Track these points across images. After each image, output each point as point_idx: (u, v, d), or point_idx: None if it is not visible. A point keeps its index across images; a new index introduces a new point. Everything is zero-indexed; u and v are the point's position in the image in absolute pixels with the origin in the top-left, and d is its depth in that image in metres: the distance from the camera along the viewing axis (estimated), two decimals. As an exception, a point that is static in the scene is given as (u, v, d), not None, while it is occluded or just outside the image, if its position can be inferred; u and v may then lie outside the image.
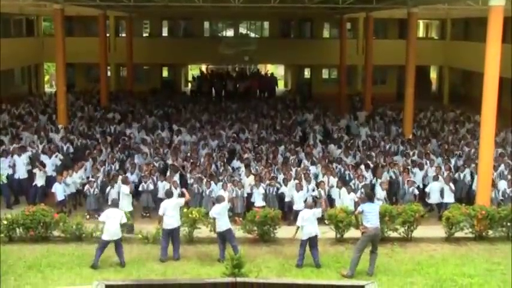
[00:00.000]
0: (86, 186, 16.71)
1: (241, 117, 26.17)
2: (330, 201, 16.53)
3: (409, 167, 18.18)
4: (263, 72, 42.33)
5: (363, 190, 16.44)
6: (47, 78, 44.05)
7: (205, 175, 16.98)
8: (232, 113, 27.37)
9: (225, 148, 20.80)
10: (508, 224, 14.98)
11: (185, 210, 14.48)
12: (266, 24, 40.79)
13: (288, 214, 16.27)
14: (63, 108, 22.31)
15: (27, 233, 14.36)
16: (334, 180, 16.88)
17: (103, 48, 29.02)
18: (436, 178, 17.07)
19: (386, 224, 14.45)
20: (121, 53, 34.74)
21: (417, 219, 14.78)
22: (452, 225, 14.85)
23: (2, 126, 23.15)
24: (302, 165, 18.31)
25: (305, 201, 15.55)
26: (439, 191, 16.90)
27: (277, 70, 49.41)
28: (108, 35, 32.13)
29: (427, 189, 17.21)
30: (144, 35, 39.79)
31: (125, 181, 16.12)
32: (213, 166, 18.25)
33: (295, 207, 16.03)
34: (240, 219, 15.12)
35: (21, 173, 17.71)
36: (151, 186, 16.78)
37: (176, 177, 17.06)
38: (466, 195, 17.52)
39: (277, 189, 16.59)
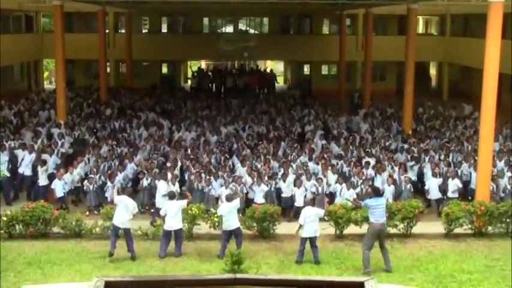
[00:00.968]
0: (86, 183, 16.71)
1: (240, 114, 26.14)
2: (330, 198, 16.53)
3: (407, 163, 18.19)
4: (262, 69, 42.26)
5: (363, 186, 16.47)
6: (46, 74, 44.01)
7: (206, 171, 16.98)
8: (231, 109, 27.34)
9: (224, 144, 20.79)
10: (507, 220, 15.00)
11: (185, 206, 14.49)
12: (265, 20, 40.76)
13: (287, 210, 16.27)
14: (62, 104, 22.28)
15: (27, 230, 14.38)
16: (333, 177, 16.88)
17: (102, 45, 28.98)
18: (434, 174, 17.07)
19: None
20: (120, 49, 34.70)
21: (416, 215, 14.80)
22: (452, 222, 14.86)
23: (2, 121, 23.15)
24: (298, 161, 18.25)
25: (305, 197, 15.58)
26: (438, 187, 16.91)
27: (277, 66, 49.36)
28: (107, 31, 32.05)
29: (426, 187, 17.22)
30: (144, 31, 39.76)
31: (163, 177, 16.13)
32: (213, 162, 18.24)
33: (296, 204, 16.06)
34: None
35: (27, 170, 17.72)
36: (151, 183, 16.75)
37: (176, 173, 17.03)
38: (463, 191, 17.50)
39: (277, 186, 16.57)
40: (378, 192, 13.26)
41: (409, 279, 12.38)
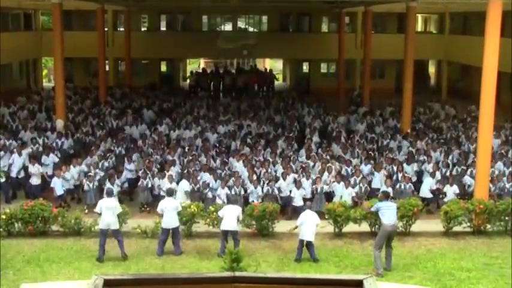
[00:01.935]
0: (85, 181, 16.70)
1: (239, 113, 26.10)
2: (329, 197, 16.53)
3: (405, 164, 18.21)
4: (262, 68, 42.20)
5: (361, 185, 16.48)
6: (45, 72, 43.96)
7: (204, 170, 16.97)
8: (229, 107, 27.30)
9: (222, 143, 20.75)
10: (506, 218, 15.02)
11: (183, 204, 14.50)
12: (264, 18, 40.70)
13: (286, 209, 16.27)
14: (61, 103, 22.22)
15: (26, 228, 14.37)
16: (331, 176, 16.90)
17: (101, 43, 28.92)
18: (433, 175, 17.12)
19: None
20: (119, 47, 34.64)
21: (415, 213, 14.81)
22: (451, 220, 14.88)
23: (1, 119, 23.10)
24: (297, 163, 18.21)
25: (304, 199, 15.64)
26: (429, 185, 16.95)
27: (276, 64, 49.33)
28: (106, 29, 31.98)
29: (423, 186, 17.22)
30: (143, 29, 39.68)
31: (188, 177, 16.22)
32: (211, 161, 18.22)
33: (294, 203, 16.07)
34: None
35: (20, 173, 17.62)
36: (149, 184, 16.74)
37: (174, 172, 17.02)
38: (462, 190, 17.51)
39: (277, 186, 16.54)
40: (387, 196, 13.50)
41: (408, 277, 12.40)
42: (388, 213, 12.76)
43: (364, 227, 14.79)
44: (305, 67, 42.07)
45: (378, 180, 17.00)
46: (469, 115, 25.60)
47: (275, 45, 37.16)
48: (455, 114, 26.60)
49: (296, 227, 13.38)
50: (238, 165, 17.55)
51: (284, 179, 16.58)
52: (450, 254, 13.78)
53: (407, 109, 22.89)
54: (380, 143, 21.14)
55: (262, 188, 16.28)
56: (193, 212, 14.45)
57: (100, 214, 13.35)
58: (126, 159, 18.11)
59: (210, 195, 16.06)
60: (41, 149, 19.15)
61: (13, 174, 17.55)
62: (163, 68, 41.45)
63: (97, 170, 17.14)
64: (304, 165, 17.51)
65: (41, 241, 14.16)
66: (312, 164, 18.01)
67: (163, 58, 40.19)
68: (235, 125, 23.19)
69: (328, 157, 18.32)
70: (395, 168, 17.68)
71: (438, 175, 17.32)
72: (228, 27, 41.51)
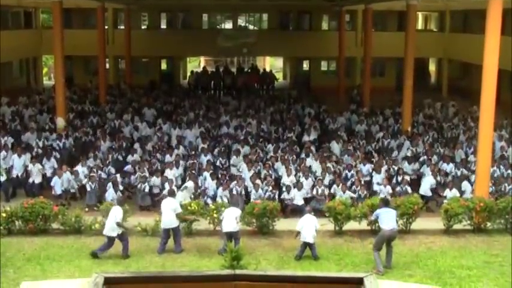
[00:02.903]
0: (86, 181, 16.70)
1: (239, 113, 26.04)
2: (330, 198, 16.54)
3: (405, 164, 18.21)
4: (261, 67, 42.10)
5: (360, 193, 16.48)
6: (45, 70, 43.93)
7: (205, 171, 16.99)
8: (229, 107, 27.25)
9: (222, 144, 20.69)
10: (507, 216, 15.02)
11: (184, 202, 14.50)
12: (265, 16, 40.66)
13: (286, 208, 16.26)
14: (62, 102, 22.19)
15: (26, 226, 14.39)
16: (331, 177, 16.90)
17: (101, 41, 28.89)
18: (433, 174, 17.11)
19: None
20: (119, 45, 34.58)
21: (416, 211, 14.81)
22: (451, 218, 14.88)
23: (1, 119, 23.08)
24: (296, 164, 18.22)
25: (305, 199, 15.64)
26: (430, 184, 16.93)
27: (276, 62, 49.28)
28: (106, 27, 31.96)
29: (423, 184, 17.21)
30: (143, 27, 39.63)
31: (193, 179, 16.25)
32: (211, 161, 18.22)
33: (294, 202, 16.08)
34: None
35: (19, 172, 17.65)
36: (147, 188, 16.74)
37: (172, 174, 16.98)
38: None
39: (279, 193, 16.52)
40: (387, 203, 13.44)
41: (408, 275, 12.40)
42: (387, 219, 12.76)
43: (365, 225, 14.80)
44: (305, 65, 42.02)
45: (378, 180, 16.98)
46: (470, 116, 25.56)
47: (275, 43, 37.11)
48: (456, 112, 26.55)
49: (298, 233, 13.38)
50: (243, 166, 17.50)
51: (288, 175, 16.56)
52: (450, 252, 13.78)
53: (407, 107, 22.86)
54: (380, 143, 21.11)
55: (265, 192, 16.22)
56: (194, 210, 14.45)
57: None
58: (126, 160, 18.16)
59: (210, 197, 16.08)
60: (40, 151, 19.14)
61: (13, 175, 17.57)
62: (164, 66, 41.41)
63: (100, 172, 17.15)
64: (304, 166, 17.50)
65: (42, 239, 14.17)
66: (311, 164, 18.00)
67: (163, 56, 40.15)
68: (236, 125, 23.15)
69: (327, 159, 18.32)
70: (395, 168, 17.68)
71: (438, 178, 17.31)
72: (228, 25, 41.49)
